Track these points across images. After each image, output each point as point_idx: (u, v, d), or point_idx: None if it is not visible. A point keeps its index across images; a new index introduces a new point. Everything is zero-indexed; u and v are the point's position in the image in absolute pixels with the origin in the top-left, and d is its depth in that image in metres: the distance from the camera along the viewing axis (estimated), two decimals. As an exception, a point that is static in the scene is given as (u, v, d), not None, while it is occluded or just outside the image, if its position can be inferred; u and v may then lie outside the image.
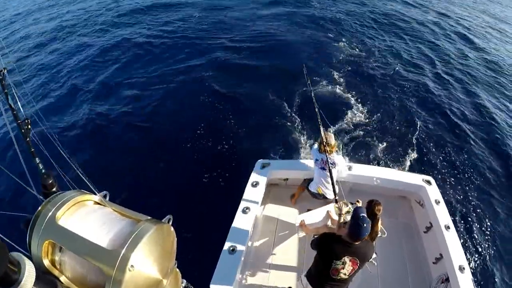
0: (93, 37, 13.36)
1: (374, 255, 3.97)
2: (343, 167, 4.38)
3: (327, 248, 3.01)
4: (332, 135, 4.27)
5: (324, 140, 4.16)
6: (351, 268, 2.94)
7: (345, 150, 7.43)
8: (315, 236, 3.33)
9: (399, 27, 14.19)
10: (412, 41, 13.02)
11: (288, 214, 4.91)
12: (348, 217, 3.94)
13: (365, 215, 2.87)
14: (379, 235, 3.94)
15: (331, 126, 7.90)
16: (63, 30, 14.39)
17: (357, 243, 2.89)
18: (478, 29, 15.10)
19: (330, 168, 4.09)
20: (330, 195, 4.30)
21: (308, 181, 4.62)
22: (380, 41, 12.70)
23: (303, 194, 4.88)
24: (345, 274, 2.96)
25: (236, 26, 13.54)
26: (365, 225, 2.78)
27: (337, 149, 4.31)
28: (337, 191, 4.13)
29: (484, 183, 7.11)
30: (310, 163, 4.72)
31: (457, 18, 15.86)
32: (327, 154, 4.12)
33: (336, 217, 3.87)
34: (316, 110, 4.59)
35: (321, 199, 4.48)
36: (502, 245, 5.93)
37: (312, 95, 4.75)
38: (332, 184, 4.11)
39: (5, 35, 14.54)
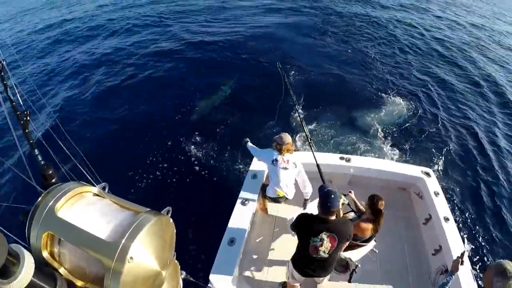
0: (96, 30, 13.22)
1: (373, 243, 4.02)
2: (302, 169, 4.21)
3: (304, 226, 3.07)
4: (288, 134, 4.15)
5: (283, 140, 4.07)
6: (330, 245, 2.94)
7: (336, 142, 7.43)
8: None
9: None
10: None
11: (286, 206, 4.93)
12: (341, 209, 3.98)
13: (330, 189, 2.97)
14: None
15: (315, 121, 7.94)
16: (63, 21, 14.23)
17: (332, 217, 2.95)
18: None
19: (290, 167, 4.08)
20: (291, 195, 4.29)
21: (265, 187, 4.47)
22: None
23: None
24: (324, 252, 2.97)
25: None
26: (333, 196, 2.88)
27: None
28: (294, 191, 4.30)
29: (484, 175, 7.10)
30: (306, 155, 4.66)
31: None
32: (282, 154, 4.05)
33: None
34: (295, 104, 4.89)
35: (282, 201, 4.43)
36: (501, 236, 5.95)
37: (291, 92, 4.97)
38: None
39: (5, 27, 14.40)
